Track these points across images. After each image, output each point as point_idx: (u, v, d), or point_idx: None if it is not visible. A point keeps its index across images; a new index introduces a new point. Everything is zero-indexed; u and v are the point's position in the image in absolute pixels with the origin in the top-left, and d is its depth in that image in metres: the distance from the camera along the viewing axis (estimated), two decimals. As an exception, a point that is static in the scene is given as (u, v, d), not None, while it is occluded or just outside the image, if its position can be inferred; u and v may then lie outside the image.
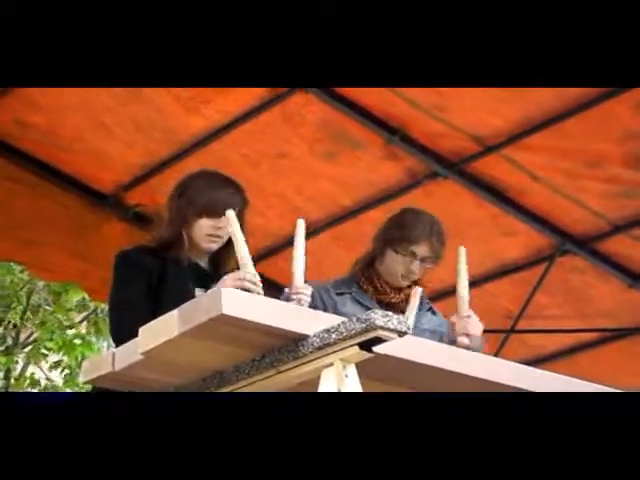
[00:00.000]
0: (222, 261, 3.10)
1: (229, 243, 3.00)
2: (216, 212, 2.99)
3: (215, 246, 3.06)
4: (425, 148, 4.44)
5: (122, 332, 2.79)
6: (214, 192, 3.03)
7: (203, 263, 3.11)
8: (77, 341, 10.00)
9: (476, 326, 3.15)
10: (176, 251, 3.02)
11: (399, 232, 3.33)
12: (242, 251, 2.73)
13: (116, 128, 4.47)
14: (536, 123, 4.17)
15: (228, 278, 2.77)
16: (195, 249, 3.07)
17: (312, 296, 2.96)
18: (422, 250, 3.29)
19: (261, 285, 2.75)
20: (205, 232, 3.02)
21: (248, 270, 2.73)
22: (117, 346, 2.82)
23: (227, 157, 4.46)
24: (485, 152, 4.40)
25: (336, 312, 3.20)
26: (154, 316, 2.79)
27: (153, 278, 2.97)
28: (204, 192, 3.03)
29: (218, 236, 3.03)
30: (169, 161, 4.61)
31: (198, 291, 3.00)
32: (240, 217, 2.95)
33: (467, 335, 3.11)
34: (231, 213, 2.76)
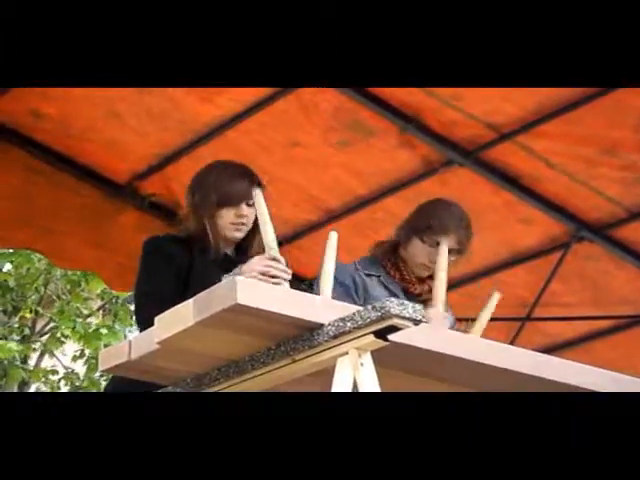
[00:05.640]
0: (248, 247, 3.12)
1: (254, 230, 3.04)
2: (234, 202, 3.03)
3: (240, 234, 3.09)
4: (440, 136, 4.43)
5: (148, 321, 2.79)
6: (230, 183, 3.06)
7: (230, 252, 3.13)
8: (104, 331, 10.01)
9: None
10: (202, 243, 3.04)
11: (427, 221, 3.29)
12: (268, 235, 2.78)
13: (130, 118, 4.47)
14: (551, 110, 4.15)
15: (255, 260, 2.81)
16: (222, 239, 3.09)
17: (342, 273, 2.92)
18: (448, 241, 3.24)
19: (287, 268, 2.78)
20: (229, 221, 3.05)
21: (274, 253, 2.77)
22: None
23: (241, 146, 4.45)
24: (500, 140, 4.38)
25: (366, 293, 3.20)
26: None
27: (182, 268, 2.99)
28: (220, 184, 3.06)
29: (242, 224, 3.07)
30: (183, 150, 4.61)
31: None
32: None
33: None
34: (259, 194, 2.84)
